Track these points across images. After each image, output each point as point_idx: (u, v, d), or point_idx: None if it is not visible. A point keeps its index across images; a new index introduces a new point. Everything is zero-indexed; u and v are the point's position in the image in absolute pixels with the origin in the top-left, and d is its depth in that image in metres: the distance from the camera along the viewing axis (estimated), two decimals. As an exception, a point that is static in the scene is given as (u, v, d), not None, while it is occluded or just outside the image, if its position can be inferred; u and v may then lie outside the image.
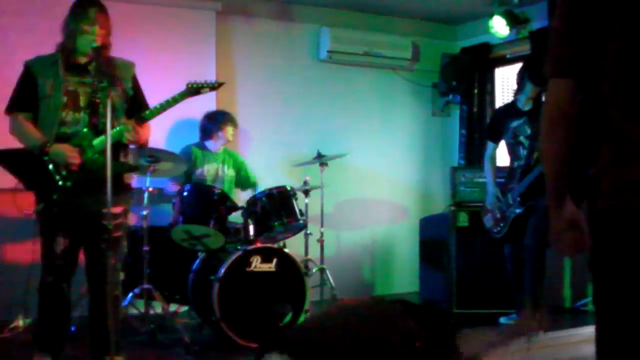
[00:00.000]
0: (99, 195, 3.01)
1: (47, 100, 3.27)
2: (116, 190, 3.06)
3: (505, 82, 6.74)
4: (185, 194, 4.49)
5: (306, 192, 5.26)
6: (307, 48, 6.28)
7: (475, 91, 6.63)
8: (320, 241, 5.47)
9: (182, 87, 3.48)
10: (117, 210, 3.20)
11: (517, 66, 6.22)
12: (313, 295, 4.82)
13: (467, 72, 6.54)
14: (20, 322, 4.51)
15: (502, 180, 4.88)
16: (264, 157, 5.93)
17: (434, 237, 5.87)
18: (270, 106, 6.09)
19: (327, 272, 5.45)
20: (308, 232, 5.24)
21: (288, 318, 4.32)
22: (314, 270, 5.41)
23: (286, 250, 4.50)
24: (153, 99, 3.52)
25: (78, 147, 3.26)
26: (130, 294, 4.27)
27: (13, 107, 3.35)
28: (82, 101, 3.32)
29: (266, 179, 5.26)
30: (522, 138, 4.68)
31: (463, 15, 6.63)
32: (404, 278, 6.48)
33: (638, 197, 1.69)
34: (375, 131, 6.57)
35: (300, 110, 6.22)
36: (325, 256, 5.51)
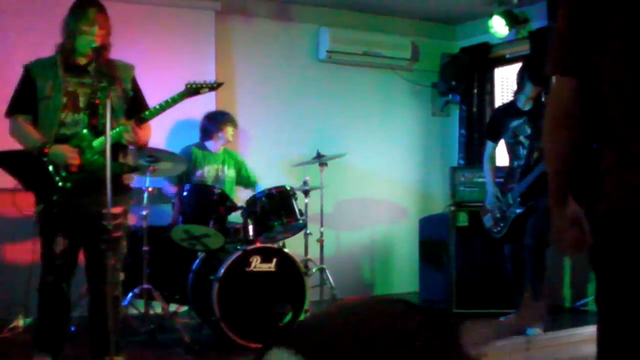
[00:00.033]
0: (99, 196, 3.01)
1: (47, 101, 3.27)
2: (116, 190, 3.06)
3: (505, 82, 6.74)
4: (185, 194, 4.49)
5: (306, 192, 5.26)
6: (306, 48, 6.28)
7: (475, 91, 6.63)
8: (320, 241, 5.47)
9: (181, 87, 3.47)
10: (117, 210, 3.20)
11: (517, 66, 6.22)
12: (313, 295, 4.82)
13: (467, 72, 6.54)
14: (20, 322, 4.51)
15: (501, 180, 4.87)
16: (263, 157, 5.93)
17: (433, 237, 5.87)
18: (269, 106, 6.09)
19: (327, 272, 5.45)
20: (308, 232, 5.24)
21: (288, 318, 4.33)
22: (313, 270, 5.41)
23: (286, 250, 4.50)
24: (152, 99, 3.51)
25: (77, 148, 3.26)
26: (130, 294, 4.27)
27: (13, 110, 3.35)
28: (82, 102, 3.32)
29: (266, 179, 5.26)
30: (522, 138, 4.68)
31: (462, 15, 6.63)
32: (403, 278, 6.48)
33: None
34: (374, 131, 6.58)
35: (300, 110, 6.22)
36: (325, 256, 5.51)
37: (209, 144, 5.15)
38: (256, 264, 4.32)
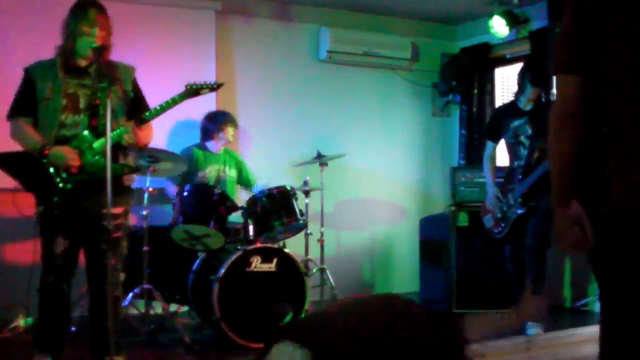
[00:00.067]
0: (99, 197, 3.01)
1: (46, 103, 3.27)
2: (116, 191, 3.05)
3: (505, 82, 6.74)
4: (185, 194, 4.49)
5: (306, 192, 5.26)
6: (306, 48, 6.28)
7: (475, 91, 6.63)
8: (321, 241, 5.47)
9: (181, 87, 3.48)
10: (117, 211, 3.20)
11: (517, 66, 6.22)
12: (313, 295, 4.82)
13: (467, 72, 6.54)
14: (20, 322, 4.51)
15: (501, 180, 4.87)
16: (264, 157, 5.93)
17: (434, 237, 5.87)
18: (270, 106, 6.09)
19: (327, 272, 5.45)
20: (308, 232, 5.25)
21: (288, 318, 4.32)
22: (314, 270, 5.41)
23: (286, 250, 4.50)
24: (153, 99, 3.51)
25: (78, 150, 3.26)
26: (131, 294, 4.27)
27: (14, 113, 3.35)
28: (82, 103, 3.31)
29: (266, 179, 5.26)
30: (522, 138, 4.67)
31: (463, 15, 6.63)
32: (404, 278, 6.48)
33: None
34: (375, 131, 6.58)
35: (300, 110, 6.22)
36: (325, 256, 5.51)
37: (210, 145, 5.15)
38: (256, 264, 4.32)
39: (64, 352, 3.39)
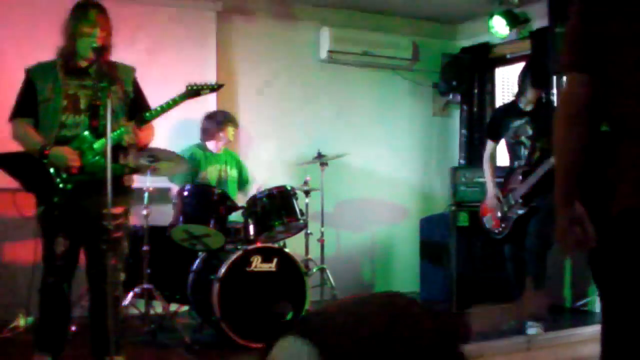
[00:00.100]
0: (99, 197, 3.01)
1: (47, 104, 3.27)
2: (116, 191, 3.06)
3: (506, 82, 6.74)
4: (185, 193, 4.49)
5: (306, 192, 5.26)
6: (307, 48, 6.28)
7: (476, 91, 6.63)
8: (321, 241, 5.48)
9: (182, 87, 3.49)
10: (118, 210, 3.21)
11: (517, 66, 6.23)
12: (313, 295, 4.82)
13: (468, 72, 6.55)
14: (20, 322, 4.51)
15: (501, 180, 4.87)
16: (264, 156, 5.94)
17: (434, 237, 5.87)
18: (270, 106, 6.09)
19: (328, 271, 5.45)
20: (308, 231, 5.25)
21: (288, 318, 4.32)
22: (314, 270, 5.41)
23: (286, 250, 4.50)
24: (154, 99, 3.52)
25: (78, 150, 3.26)
26: (131, 294, 4.27)
27: (15, 114, 3.35)
28: (83, 104, 3.31)
29: (267, 179, 5.26)
30: (523, 138, 4.67)
31: (463, 15, 6.63)
32: (404, 278, 6.48)
33: None
34: (375, 131, 6.58)
35: (301, 110, 6.22)
36: (325, 256, 5.51)
37: (210, 145, 5.14)
38: (257, 263, 4.32)
39: (64, 352, 3.39)
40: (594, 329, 1.98)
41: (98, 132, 3.28)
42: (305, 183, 5.27)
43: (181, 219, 4.41)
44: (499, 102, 6.62)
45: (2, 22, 4.90)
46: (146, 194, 4.30)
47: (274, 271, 4.36)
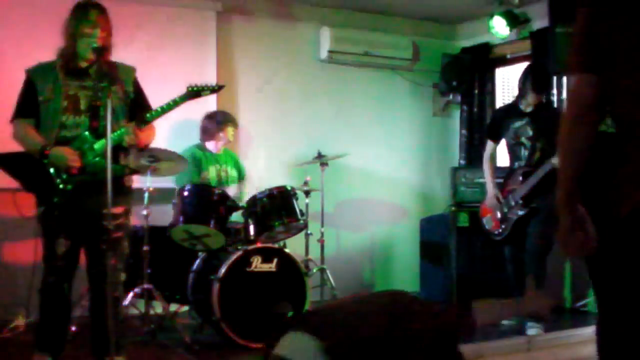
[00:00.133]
0: (100, 197, 3.02)
1: (47, 104, 3.27)
2: (117, 192, 3.06)
3: (506, 82, 6.74)
4: (185, 193, 4.49)
5: (307, 192, 5.26)
6: (307, 48, 6.28)
7: (476, 91, 6.63)
8: (321, 241, 5.48)
9: (182, 87, 3.48)
10: (118, 210, 3.21)
11: (518, 66, 6.24)
12: (313, 295, 4.82)
13: (468, 72, 6.55)
14: (20, 322, 4.51)
15: (501, 180, 4.87)
16: (264, 157, 5.94)
17: (434, 238, 5.87)
18: (270, 106, 6.09)
19: (328, 272, 5.46)
20: (308, 232, 5.25)
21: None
22: (314, 270, 5.41)
23: (286, 250, 4.50)
24: (153, 99, 3.52)
25: (78, 151, 3.26)
26: (131, 294, 4.26)
27: (17, 115, 3.35)
28: (83, 105, 3.31)
29: (267, 179, 5.26)
30: (523, 139, 4.67)
31: (463, 15, 6.63)
32: (404, 278, 6.48)
33: None
34: (375, 131, 6.57)
35: (301, 110, 6.22)
36: (325, 256, 5.51)
37: (210, 145, 5.14)
38: (257, 264, 4.32)
39: (64, 352, 3.39)
40: (594, 330, 1.98)
41: (98, 133, 3.28)
42: (305, 183, 5.27)
43: (181, 219, 4.41)
44: (499, 102, 6.62)
45: (2, 22, 4.90)
46: (146, 194, 4.30)
47: (274, 271, 4.36)
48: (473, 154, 6.53)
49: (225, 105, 5.54)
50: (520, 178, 4.62)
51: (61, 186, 3.25)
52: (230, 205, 4.53)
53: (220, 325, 4.15)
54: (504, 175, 4.85)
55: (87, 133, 3.29)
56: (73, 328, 4.06)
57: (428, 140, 6.88)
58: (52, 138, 3.25)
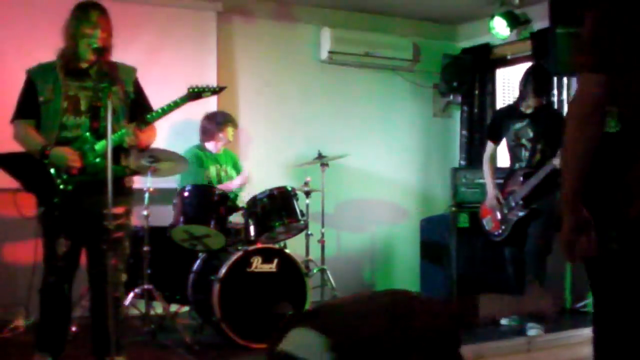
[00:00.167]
0: (100, 198, 3.02)
1: (48, 105, 3.28)
2: (117, 192, 3.06)
3: (506, 83, 6.74)
4: (185, 194, 4.49)
5: (307, 193, 5.26)
6: (307, 48, 6.28)
7: (476, 92, 6.63)
8: (321, 242, 5.48)
9: (182, 88, 3.49)
10: (118, 211, 3.21)
11: (518, 67, 6.24)
12: (314, 295, 4.81)
13: (468, 73, 6.54)
14: (20, 322, 4.51)
15: (501, 181, 4.86)
16: (264, 157, 5.94)
17: (434, 238, 5.87)
18: (271, 106, 6.09)
19: (328, 272, 5.45)
20: (309, 232, 5.25)
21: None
22: (314, 271, 5.41)
23: (287, 250, 4.50)
24: (154, 99, 3.52)
25: (79, 151, 3.26)
26: (131, 294, 4.26)
27: (17, 116, 3.36)
28: (83, 105, 3.32)
29: (267, 180, 5.26)
30: (524, 140, 4.67)
31: (464, 16, 6.63)
32: (404, 279, 6.47)
33: None
34: (376, 132, 6.57)
35: (301, 110, 6.22)
36: (326, 257, 5.51)
37: (210, 145, 5.14)
38: (257, 264, 4.32)
39: (65, 352, 3.40)
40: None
41: (99, 134, 3.28)
42: (306, 184, 5.27)
43: (182, 219, 4.41)
44: (499, 103, 6.62)
45: (2, 22, 4.90)
46: (147, 195, 4.30)
47: (274, 272, 4.36)
48: (473, 155, 6.53)
49: (226, 106, 5.54)
50: (521, 179, 4.62)
51: (62, 186, 3.25)
52: (231, 205, 4.54)
53: (221, 326, 4.15)
54: (504, 176, 4.85)
55: (87, 134, 3.29)
56: (73, 328, 4.06)
57: (428, 140, 6.88)
58: (53, 139, 3.25)
